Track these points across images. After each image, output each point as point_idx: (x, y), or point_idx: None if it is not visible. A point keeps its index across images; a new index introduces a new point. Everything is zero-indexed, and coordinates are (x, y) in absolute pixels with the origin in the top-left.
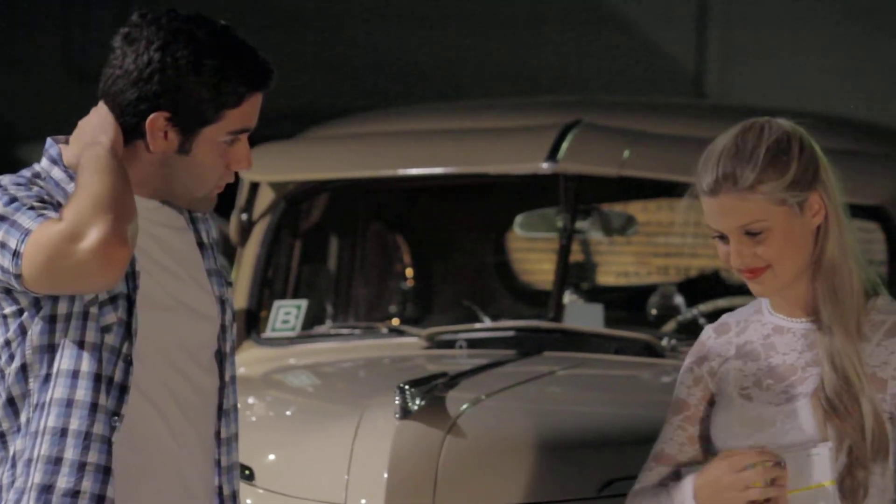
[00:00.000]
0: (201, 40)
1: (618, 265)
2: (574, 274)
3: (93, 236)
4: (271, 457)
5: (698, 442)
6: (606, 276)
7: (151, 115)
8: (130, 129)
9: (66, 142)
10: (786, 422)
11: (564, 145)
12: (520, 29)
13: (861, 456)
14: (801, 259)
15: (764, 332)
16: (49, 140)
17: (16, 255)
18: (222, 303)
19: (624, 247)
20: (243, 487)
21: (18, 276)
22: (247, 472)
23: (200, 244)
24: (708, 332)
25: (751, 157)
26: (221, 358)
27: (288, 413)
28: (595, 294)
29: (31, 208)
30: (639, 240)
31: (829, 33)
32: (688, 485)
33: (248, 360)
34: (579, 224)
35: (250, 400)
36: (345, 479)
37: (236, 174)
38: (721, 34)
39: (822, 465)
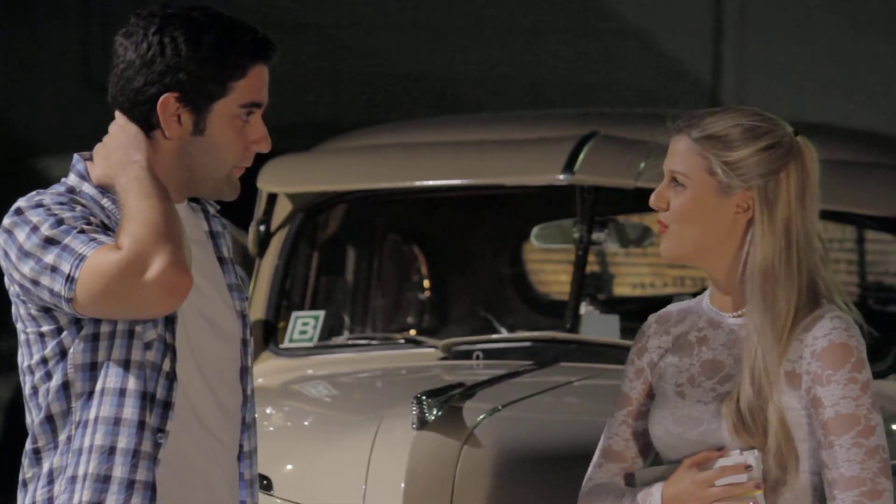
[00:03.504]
0: (196, 19)
1: (634, 276)
2: (590, 285)
3: (156, 267)
4: (289, 467)
5: (643, 437)
6: (623, 287)
7: (161, 98)
8: (145, 120)
9: (90, 158)
10: (712, 421)
11: (581, 157)
12: (534, 40)
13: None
14: (702, 237)
15: (699, 324)
16: (76, 156)
17: (69, 279)
18: (243, 317)
19: (640, 258)
20: (262, 497)
21: (70, 300)
22: (265, 481)
23: (220, 258)
24: (650, 321)
25: (721, 120)
26: (244, 373)
27: (306, 423)
28: (611, 305)
29: (82, 231)
30: (655, 251)
31: (845, 46)
32: (656, 494)
33: (266, 370)
34: (595, 235)
35: (268, 410)
36: (362, 490)
37: (256, 177)
38: (736, 46)
39: (755, 471)
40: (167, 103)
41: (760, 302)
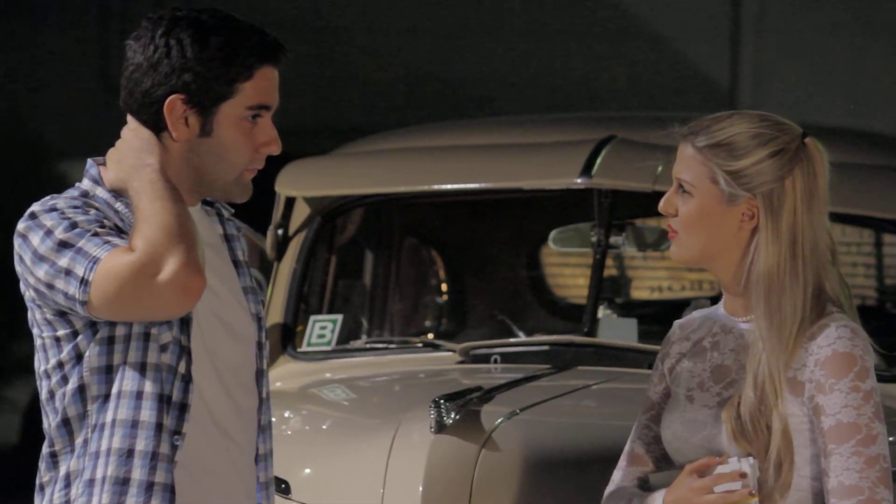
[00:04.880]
0: (204, 21)
1: (651, 280)
2: (608, 288)
3: (170, 268)
4: (307, 470)
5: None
6: (640, 291)
7: (168, 100)
8: (153, 122)
9: (104, 163)
10: (714, 426)
11: (598, 160)
12: (551, 43)
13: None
14: (709, 244)
15: (714, 329)
16: (89, 161)
17: (84, 282)
18: (258, 320)
19: (657, 261)
20: (280, 501)
21: (84, 303)
22: (283, 485)
23: (235, 261)
24: (674, 327)
25: (726, 127)
26: (259, 376)
27: (324, 427)
28: (629, 308)
29: (96, 234)
30: None
31: (862, 50)
32: (658, 500)
33: (284, 374)
34: (613, 239)
35: (286, 414)
36: (380, 493)
37: (273, 180)
38: (754, 49)
39: (750, 479)
40: (174, 105)
41: (765, 309)
